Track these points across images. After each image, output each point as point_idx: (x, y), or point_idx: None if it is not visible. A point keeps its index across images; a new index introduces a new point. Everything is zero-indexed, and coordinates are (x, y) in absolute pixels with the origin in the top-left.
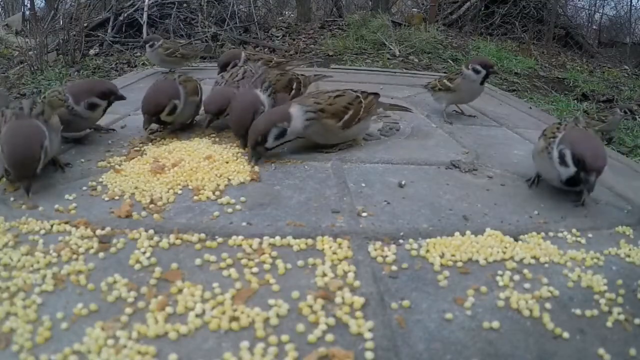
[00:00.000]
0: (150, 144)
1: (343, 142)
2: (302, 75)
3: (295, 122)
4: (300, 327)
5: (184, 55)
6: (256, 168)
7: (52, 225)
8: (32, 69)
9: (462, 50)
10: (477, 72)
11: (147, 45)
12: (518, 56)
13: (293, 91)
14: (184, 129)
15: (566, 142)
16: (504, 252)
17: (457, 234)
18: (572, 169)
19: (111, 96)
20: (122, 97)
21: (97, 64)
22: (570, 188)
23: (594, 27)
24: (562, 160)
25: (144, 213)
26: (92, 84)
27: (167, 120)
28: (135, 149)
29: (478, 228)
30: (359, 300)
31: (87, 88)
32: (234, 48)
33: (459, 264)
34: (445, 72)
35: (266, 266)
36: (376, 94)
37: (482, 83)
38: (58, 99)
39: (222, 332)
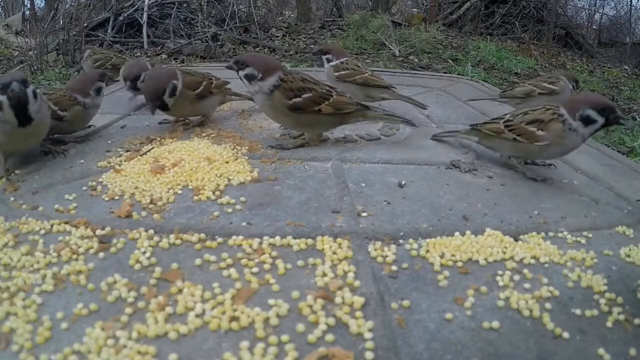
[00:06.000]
0: (150, 144)
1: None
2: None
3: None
4: (300, 327)
5: (115, 66)
6: (256, 168)
7: (52, 225)
8: (32, 69)
9: (462, 50)
10: (590, 121)
11: (80, 58)
12: (518, 56)
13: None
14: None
15: (580, 106)
16: (504, 252)
17: (457, 234)
18: (601, 121)
19: (105, 77)
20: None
21: None
22: None
23: (594, 27)
24: (588, 120)
25: (144, 213)
26: (85, 76)
27: (170, 102)
28: (136, 149)
29: (478, 228)
30: (359, 300)
31: (85, 80)
32: (233, 48)
33: (459, 264)
34: (445, 72)
35: (266, 266)
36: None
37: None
38: (68, 99)
39: (222, 332)
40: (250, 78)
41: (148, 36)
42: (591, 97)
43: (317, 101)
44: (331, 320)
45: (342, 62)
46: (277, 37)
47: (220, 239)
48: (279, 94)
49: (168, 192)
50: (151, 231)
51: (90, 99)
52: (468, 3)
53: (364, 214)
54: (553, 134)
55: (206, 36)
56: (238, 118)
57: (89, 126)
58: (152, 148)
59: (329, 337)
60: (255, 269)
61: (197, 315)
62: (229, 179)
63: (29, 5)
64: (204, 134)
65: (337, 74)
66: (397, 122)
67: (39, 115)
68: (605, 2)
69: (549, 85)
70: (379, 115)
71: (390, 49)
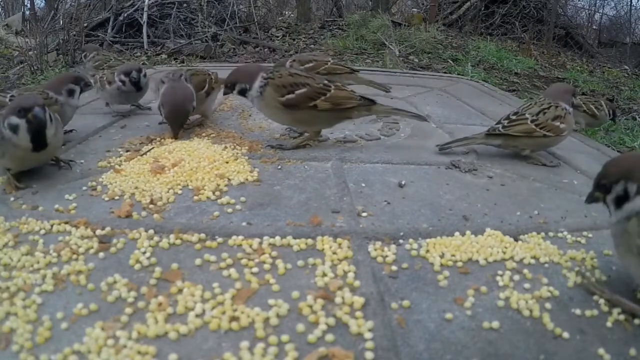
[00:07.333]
0: (150, 144)
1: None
2: None
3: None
4: (300, 327)
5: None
6: (256, 168)
7: (52, 225)
8: (32, 69)
9: (462, 50)
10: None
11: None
12: (518, 56)
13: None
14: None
15: (570, 97)
16: (504, 252)
17: (457, 234)
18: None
19: (81, 82)
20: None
21: None
22: None
23: (594, 27)
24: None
25: (144, 213)
26: (59, 76)
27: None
28: (136, 149)
29: (478, 228)
30: (359, 300)
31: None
32: (233, 48)
33: (459, 264)
34: (445, 72)
35: (266, 266)
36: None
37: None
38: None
39: (222, 332)
40: (243, 92)
41: (148, 36)
42: (567, 87)
43: (313, 97)
44: (331, 320)
45: (291, 65)
46: (277, 37)
47: (220, 239)
48: (270, 90)
49: (168, 192)
50: (151, 231)
51: (64, 98)
52: (468, 3)
53: (364, 214)
54: (569, 124)
55: (206, 36)
56: (238, 118)
57: (70, 130)
58: (152, 148)
59: (329, 337)
60: (255, 269)
61: (197, 315)
62: (229, 179)
63: (29, 5)
64: (204, 134)
65: (302, 67)
66: (406, 117)
67: (55, 139)
68: (605, 2)
69: (594, 109)
70: (386, 110)
71: (390, 49)
